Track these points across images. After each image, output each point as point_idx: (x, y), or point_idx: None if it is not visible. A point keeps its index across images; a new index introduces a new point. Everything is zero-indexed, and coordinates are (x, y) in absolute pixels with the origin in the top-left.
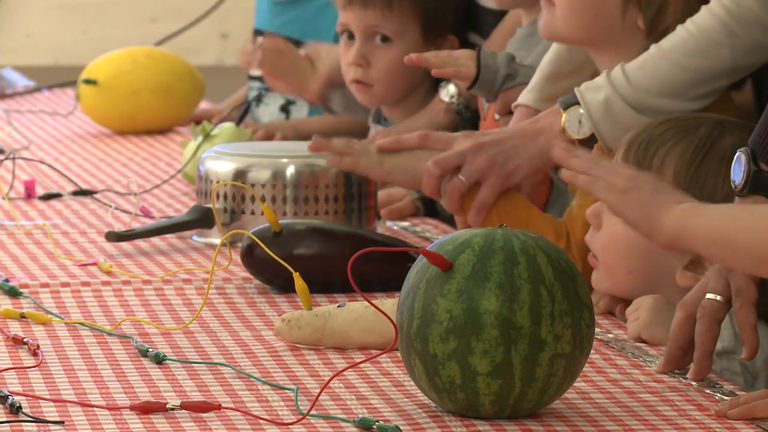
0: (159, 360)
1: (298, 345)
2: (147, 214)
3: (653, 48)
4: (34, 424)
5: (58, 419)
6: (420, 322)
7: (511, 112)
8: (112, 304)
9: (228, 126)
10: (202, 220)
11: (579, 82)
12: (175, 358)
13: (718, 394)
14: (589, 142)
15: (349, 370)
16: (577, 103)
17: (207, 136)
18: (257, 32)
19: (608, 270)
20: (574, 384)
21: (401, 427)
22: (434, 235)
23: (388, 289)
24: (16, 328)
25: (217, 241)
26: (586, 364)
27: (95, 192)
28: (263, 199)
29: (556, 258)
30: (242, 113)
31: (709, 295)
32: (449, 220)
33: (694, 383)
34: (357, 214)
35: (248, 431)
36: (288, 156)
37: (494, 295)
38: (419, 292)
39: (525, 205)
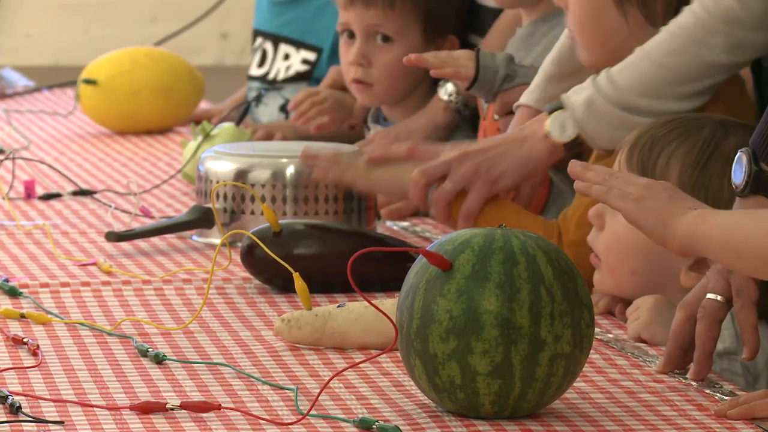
0: (159, 360)
1: (297, 345)
2: (147, 214)
3: (637, 50)
4: (34, 424)
5: (58, 419)
6: (420, 322)
7: (510, 113)
8: (111, 304)
9: (228, 126)
10: (202, 220)
11: (581, 82)
12: (174, 358)
13: (718, 394)
14: (572, 146)
15: (349, 370)
16: (562, 107)
17: (207, 136)
18: (257, 32)
19: (611, 270)
20: (574, 384)
21: (401, 427)
22: (434, 235)
23: (388, 289)
24: (16, 328)
25: (217, 241)
26: (586, 364)
27: (95, 192)
28: (263, 199)
29: (555, 258)
30: (242, 113)
31: (709, 295)
32: None
33: (694, 383)
34: (357, 214)
35: (248, 431)
36: (288, 156)
37: (494, 295)
38: (419, 292)
39: (513, 209)
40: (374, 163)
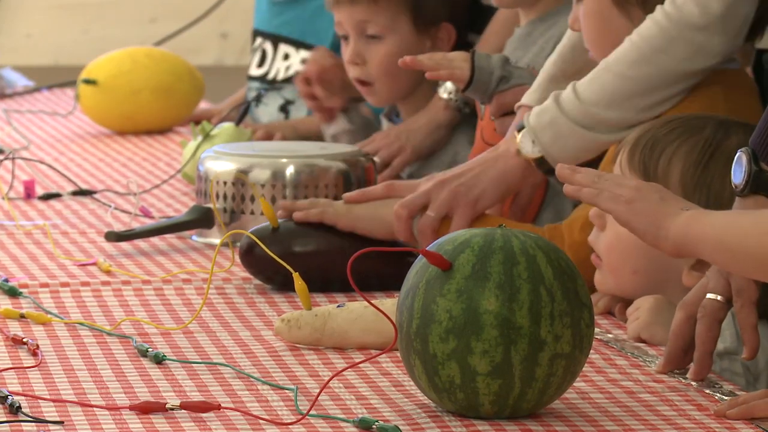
0: (158, 360)
1: (297, 345)
2: (147, 214)
3: (602, 62)
4: (33, 424)
5: (57, 419)
6: (420, 322)
7: (506, 114)
8: (111, 304)
9: (228, 126)
10: (201, 220)
11: None
12: (174, 358)
13: (718, 394)
14: (543, 162)
15: (349, 370)
16: None
17: (207, 136)
18: (256, 32)
19: (613, 270)
20: (574, 384)
21: (401, 427)
22: None
23: (388, 288)
24: (15, 328)
25: (217, 241)
26: (586, 364)
27: (95, 192)
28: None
29: (555, 258)
30: (242, 113)
31: (709, 295)
32: None
33: (693, 383)
34: None
35: (248, 431)
36: (288, 156)
37: (494, 295)
38: (419, 292)
39: (500, 222)
40: (352, 201)
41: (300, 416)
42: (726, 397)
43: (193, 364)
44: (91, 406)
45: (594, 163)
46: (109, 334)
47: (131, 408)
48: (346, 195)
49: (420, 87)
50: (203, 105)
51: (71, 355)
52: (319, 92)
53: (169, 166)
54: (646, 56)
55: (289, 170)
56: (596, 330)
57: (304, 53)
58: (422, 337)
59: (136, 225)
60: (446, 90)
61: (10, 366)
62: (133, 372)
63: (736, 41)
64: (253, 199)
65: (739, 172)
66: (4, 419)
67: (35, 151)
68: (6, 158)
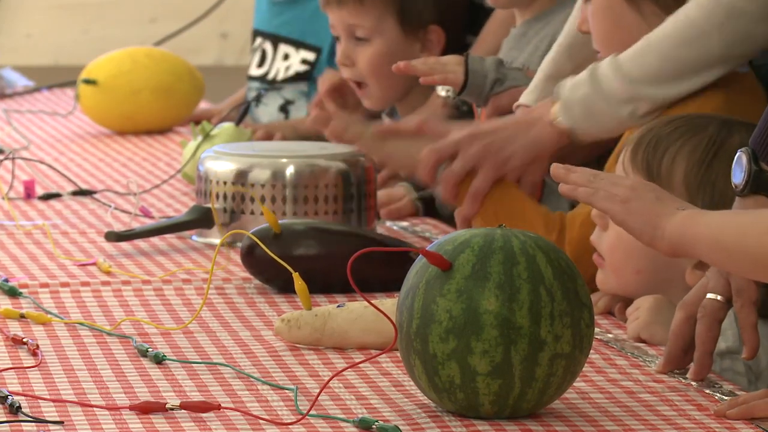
0: (158, 360)
1: (297, 345)
2: (147, 214)
3: (643, 39)
4: (33, 424)
5: (57, 419)
6: (420, 322)
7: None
8: (111, 304)
9: (227, 126)
10: (201, 220)
11: None
12: (174, 358)
13: (718, 394)
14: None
15: (349, 370)
16: None
17: (207, 136)
18: (256, 32)
19: (615, 270)
20: (574, 384)
21: (401, 427)
22: (434, 235)
23: (388, 289)
24: (15, 328)
25: (217, 241)
26: (586, 364)
27: (95, 192)
28: (263, 200)
29: (555, 258)
30: (242, 113)
31: (709, 295)
32: (449, 220)
33: (693, 383)
34: (357, 214)
35: (248, 431)
36: (288, 156)
37: (494, 295)
38: (419, 292)
39: (519, 196)
40: (383, 135)
41: (300, 416)
42: (726, 397)
43: (193, 364)
44: (91, 406)
45: (600, 162)
46: (109, 334)
47: (131, 408)
48: (378, 127)
49: (416, 87)
50: (203, 105)
51: (71, 355)
52: (333, 109)
53: (169, 166)
54: (692, 38)
55: (289, 170)
56: (596, 330)
57: (304, 53)
58: (422, 337)
59: (136, 225)
60: (444, 88)
61: (10, 366)
62: (133, 372)
63: None
64: (252, 199)
65: (739, 172)
66: (4, 419)
67: (35, 151)
68: (6, 158)
